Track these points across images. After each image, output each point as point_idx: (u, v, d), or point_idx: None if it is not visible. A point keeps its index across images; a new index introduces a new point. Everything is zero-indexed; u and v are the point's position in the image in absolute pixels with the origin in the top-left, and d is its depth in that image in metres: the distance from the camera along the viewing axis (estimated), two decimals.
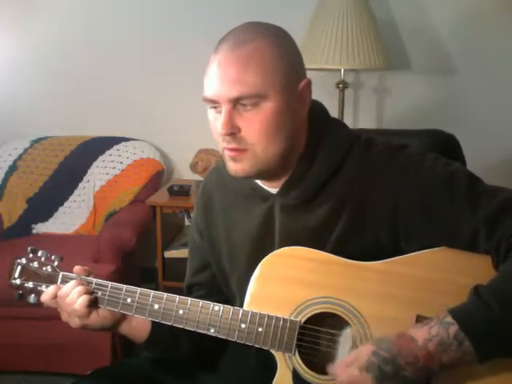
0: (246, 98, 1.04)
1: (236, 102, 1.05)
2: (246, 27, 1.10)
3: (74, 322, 1.20)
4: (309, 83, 1.10)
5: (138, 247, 2.63)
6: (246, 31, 1.08)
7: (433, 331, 0.96)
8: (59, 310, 1.21)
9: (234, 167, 1.10)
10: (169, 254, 2.86)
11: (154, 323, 1.21)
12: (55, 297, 1.20)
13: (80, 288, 1.18)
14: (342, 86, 2.74)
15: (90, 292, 1.19)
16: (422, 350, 0.96)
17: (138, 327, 1.23)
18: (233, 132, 1.06)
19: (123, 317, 1.22)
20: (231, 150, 1.08)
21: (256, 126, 1.06)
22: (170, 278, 2.82)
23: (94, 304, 1.19)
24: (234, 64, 1.04)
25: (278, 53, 1.06)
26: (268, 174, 1.14)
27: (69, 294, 1.17)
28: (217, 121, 1.08)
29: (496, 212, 1.02)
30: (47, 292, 1.21)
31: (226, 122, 1.05)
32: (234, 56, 1.04)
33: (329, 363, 1.05)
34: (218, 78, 1.05)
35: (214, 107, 1.09)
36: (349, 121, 2.99)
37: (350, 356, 1.02)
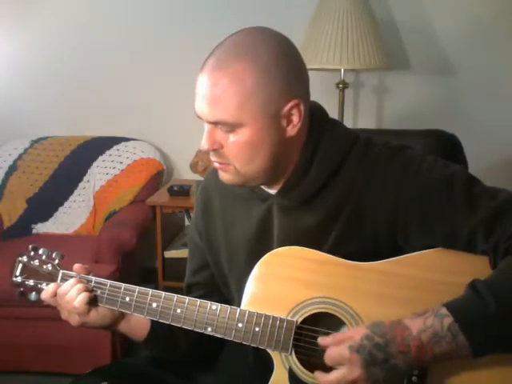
0: (221, 124, 1.06)
1: (215, 124, 1.07)
2: (235, 41, 1.06)
3: (74, 320, 1.20)
4: (296, 105, 1.07)
5: (138, 247, 2.63)
6: (233, 48, 1.05)
7: (428, 322, 0.96)
8: (59, 309, 1.22)
9: (222, 176, 1.14)
10: (169, 254, 2.87)
11: (153, 322, 1.22)
12: (55, 295, 1.20)
13: (79, 286, 1.18)
14: (342, 85, 2.74)
15: (89, 290, 1.19)
16: (415, 340, 0.96)
17: (137, 326, 1.23)
18: (214, 148, 1.08)
19: (122, 316, 1.22)
20: (216, 162, 1.11)
21: (232, 147, 1.07)
22: (170, 278, 2.82)
23: (93, 302, 1.19)
24: (214, 88, 1.04)
25: (259, 78, 1.03)
26: (257, 184, 1.15)
27: (68, 292, 1.18)
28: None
29: (494, 213, 1.02)
30: (47, 290, 1.21)
31: (206, 139, 1.08)
32: (215, 78, 1.03)
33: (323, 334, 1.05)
34: (200, 97, 1.06)
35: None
36: (349, 121, 2.99)
37: (345, 334, 1.02)
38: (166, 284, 2.83)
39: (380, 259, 1.09)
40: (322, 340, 1.04)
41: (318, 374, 1.04)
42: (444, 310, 0.96)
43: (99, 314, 1.20)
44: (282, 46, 1.08)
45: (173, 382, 1.28)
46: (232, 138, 1.06)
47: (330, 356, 1.01)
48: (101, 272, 2.27)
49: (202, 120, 1.09)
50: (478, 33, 2.89)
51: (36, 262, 1.25)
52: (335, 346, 1.01)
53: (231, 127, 1.05)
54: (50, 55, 3.20)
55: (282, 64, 1.05)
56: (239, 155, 1.08)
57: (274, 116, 1.06)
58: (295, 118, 1.08)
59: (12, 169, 3.05)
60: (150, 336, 1.23)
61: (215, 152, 1.09)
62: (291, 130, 1.09)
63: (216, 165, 1.12)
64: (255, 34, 1.08)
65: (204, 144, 1.08)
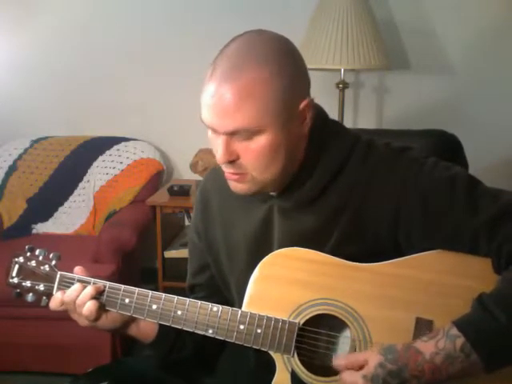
0: (241, 132, 1.03)
1: (232, 134, 1.04)
2: (241, 48, 1.04)
3: (84, 323, 1.18)
4: (309, 103, 1.07)
5: (138, 247, 2.63)
6: (242, 56, 1.02)
7: (440, 345, 0.96)
8: (68, 312, 1.20)
9: (235, 187, 1.11)
10: (169, 254, 2.86)
11: (161, 324, 1.20)
12: (63, 303, 1.18)
13: (87, 291, 1.16)
14: (342, 85, 2.74)
15: (99, 293, 1.17)
16: (428, 363, 0.96)
17: (146, 327, 1.22)
18: (231, 160, 1.06)
19: (132, 319, 1.20)
20: (231, 174, 1.09)
21: (252, 155, 1.05)
22: (170, 278, 2.82)
23: (101, 306, 1.17)
24: (229, 98, 1.01)
25: (275, 83, 1.02)
26: (272, 190, 1.14)
27: (75, 298, 1.16)
28: (214, 141, 1.07)
29: (497, 215, 1.02)
30: (55, 300, 1.18)
31: (223, 152, 1.05)
32: (229, 88, 1.01)
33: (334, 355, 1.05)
34: (213, 109, 1.03)
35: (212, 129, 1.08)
36: (349, 121, 2.99)
37: (358, 356, 1.02)
38: (166, 284, 2.83)
39: (380, 260, 1.08)
40: (335, 361, 1.04)
41: None
42: (455, 331, 0.96)
43: (108, 318, 1.18)
44: (285, 47, 1.07)
45: (173, 383, 1.27)
46: (251, 144, 1.04)
47: (344, 383, 1.02)
48: (101, 272, 2.29)
49: (217, 132, 1.05)
50: (477, 33, 2.89)
51: (33, 263, 1.23)
52: (350, 373, 1.01)
53: (250, 134, 1.03)
54: (49, 55, 3.20)
55: (289, 66, 1.05)
56: (258, 162, 1.06)
57: (290, 117, 1.05)
58: (307, 117, 1.08)
59: (12, 169, 3.05)
60: (158, 337, 1.22)
61: (231, 163, 1.07)
62: (304, 128, 1.09)
63: (231, 176, 1.09)
64: (257, 37, 1.06)
65: (221, 157, 1.05)
